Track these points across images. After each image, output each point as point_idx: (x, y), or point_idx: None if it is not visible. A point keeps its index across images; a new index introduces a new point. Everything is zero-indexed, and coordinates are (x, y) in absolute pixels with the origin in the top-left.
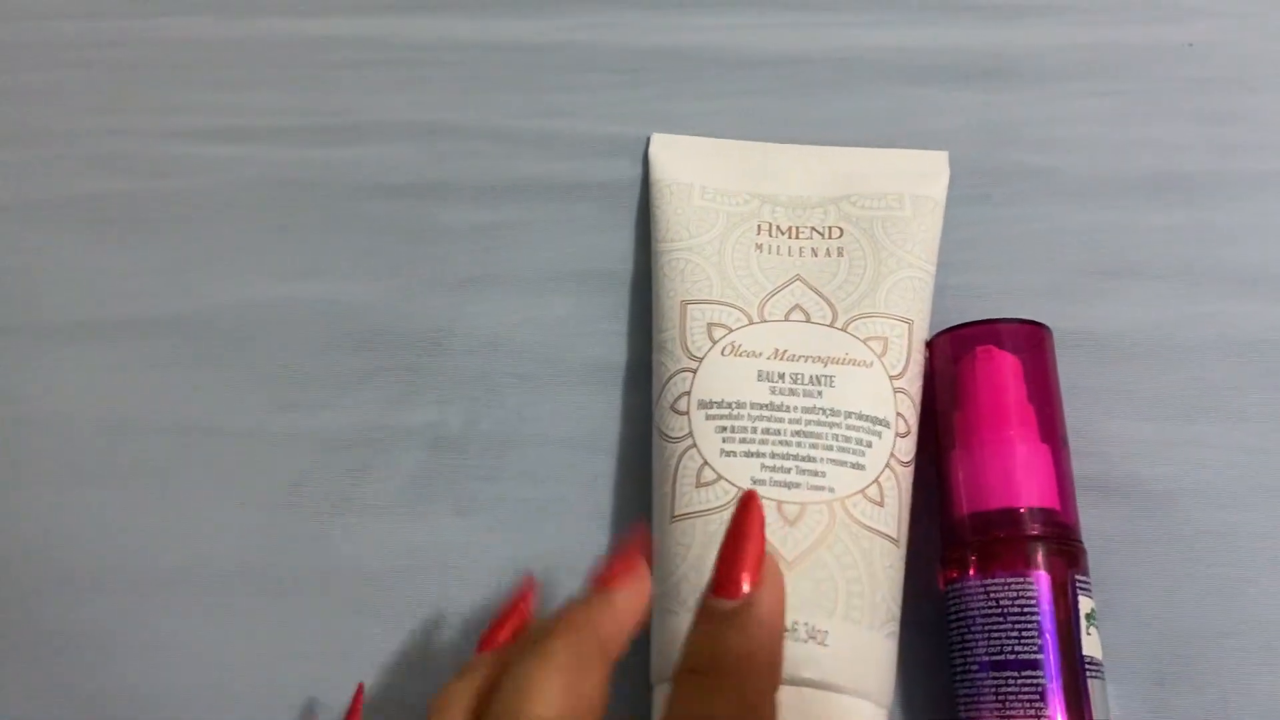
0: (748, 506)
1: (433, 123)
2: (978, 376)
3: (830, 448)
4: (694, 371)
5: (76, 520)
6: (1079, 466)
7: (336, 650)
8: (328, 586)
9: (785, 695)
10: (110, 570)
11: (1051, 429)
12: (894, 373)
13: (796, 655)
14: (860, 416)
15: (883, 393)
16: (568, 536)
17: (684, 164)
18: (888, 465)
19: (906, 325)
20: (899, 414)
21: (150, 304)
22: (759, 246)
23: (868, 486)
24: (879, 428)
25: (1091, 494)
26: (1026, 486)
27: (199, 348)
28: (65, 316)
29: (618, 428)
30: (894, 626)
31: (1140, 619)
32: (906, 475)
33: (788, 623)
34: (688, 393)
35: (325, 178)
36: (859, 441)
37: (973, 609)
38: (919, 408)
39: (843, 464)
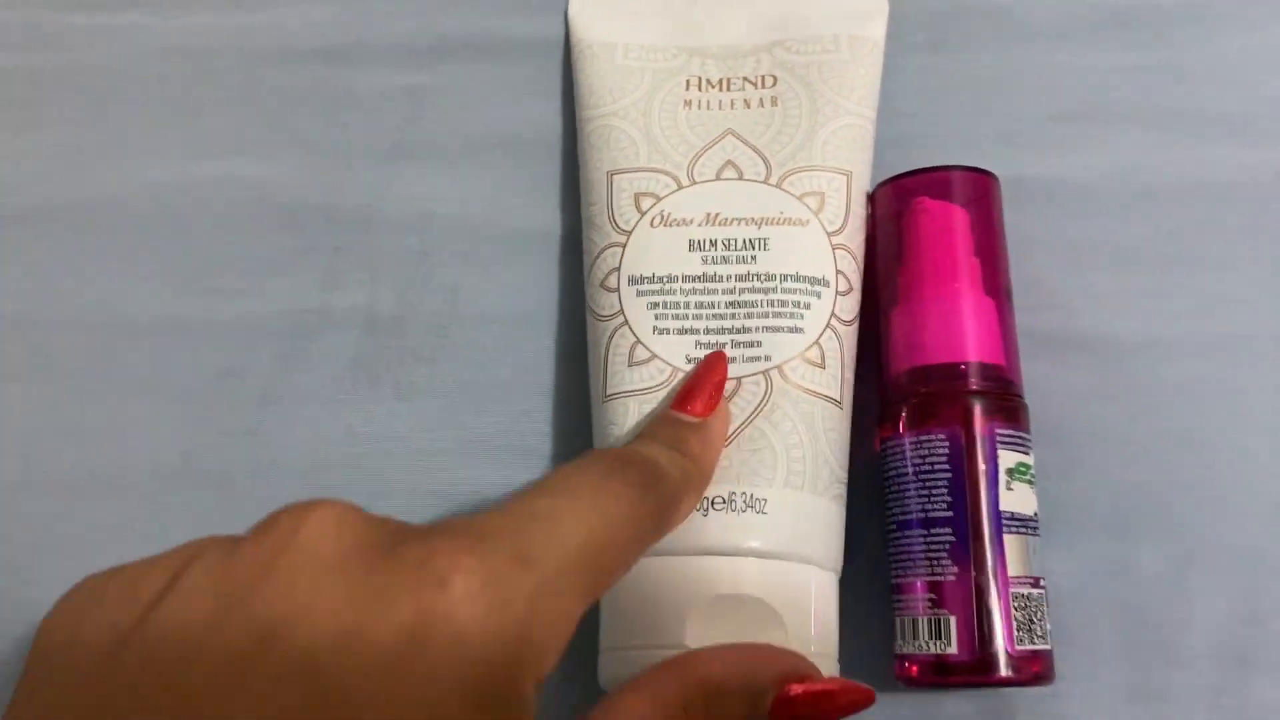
0: (718, 356)
1: None
2: (921, 229)
3: (766, 315)
4: (623, 246)
5: None
6: (1039, 321)
7: None
8: (268, 478)
9: (728, 566)
10: (29, 474)
11: (995, 282)
12: (832, 229)
13: (736, 526)
14: (797, 278)
15: (820, 251)
16: (513, 418)
17: (605, 22)
18: (828, 326)
19: (845, 177)
20: (839, 271)
21: (48, 191)
22: (688, 103)
23: (807, 349)
24: (817, 287)
25: (1050, 348)
26: (963, 341)
27: (105, 236)
28: None
29: (556, 304)
30: (839, 489)
31: (1101, 474)
32: (849, 335)
33: (724, 494)
34: (617, 269)
35: (233, 44)
36: (796, 304)
37: (895, 467)
38: (861, 264)
39: (779, 329)
